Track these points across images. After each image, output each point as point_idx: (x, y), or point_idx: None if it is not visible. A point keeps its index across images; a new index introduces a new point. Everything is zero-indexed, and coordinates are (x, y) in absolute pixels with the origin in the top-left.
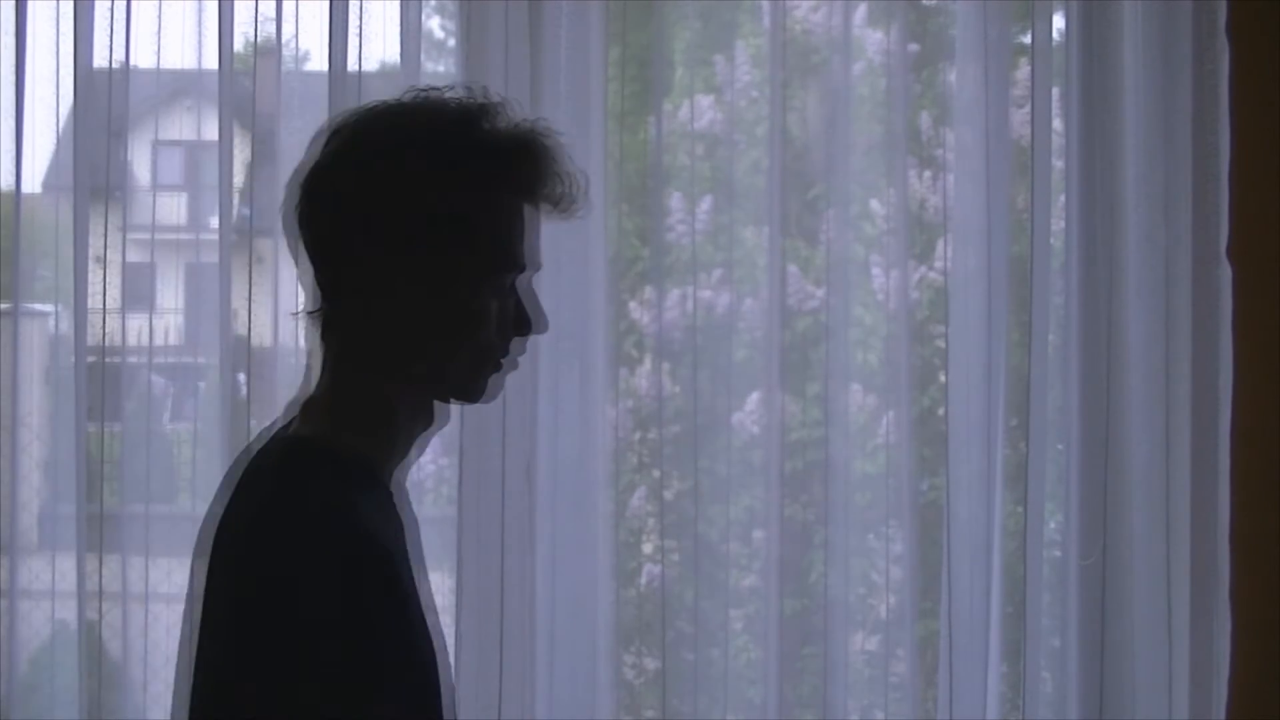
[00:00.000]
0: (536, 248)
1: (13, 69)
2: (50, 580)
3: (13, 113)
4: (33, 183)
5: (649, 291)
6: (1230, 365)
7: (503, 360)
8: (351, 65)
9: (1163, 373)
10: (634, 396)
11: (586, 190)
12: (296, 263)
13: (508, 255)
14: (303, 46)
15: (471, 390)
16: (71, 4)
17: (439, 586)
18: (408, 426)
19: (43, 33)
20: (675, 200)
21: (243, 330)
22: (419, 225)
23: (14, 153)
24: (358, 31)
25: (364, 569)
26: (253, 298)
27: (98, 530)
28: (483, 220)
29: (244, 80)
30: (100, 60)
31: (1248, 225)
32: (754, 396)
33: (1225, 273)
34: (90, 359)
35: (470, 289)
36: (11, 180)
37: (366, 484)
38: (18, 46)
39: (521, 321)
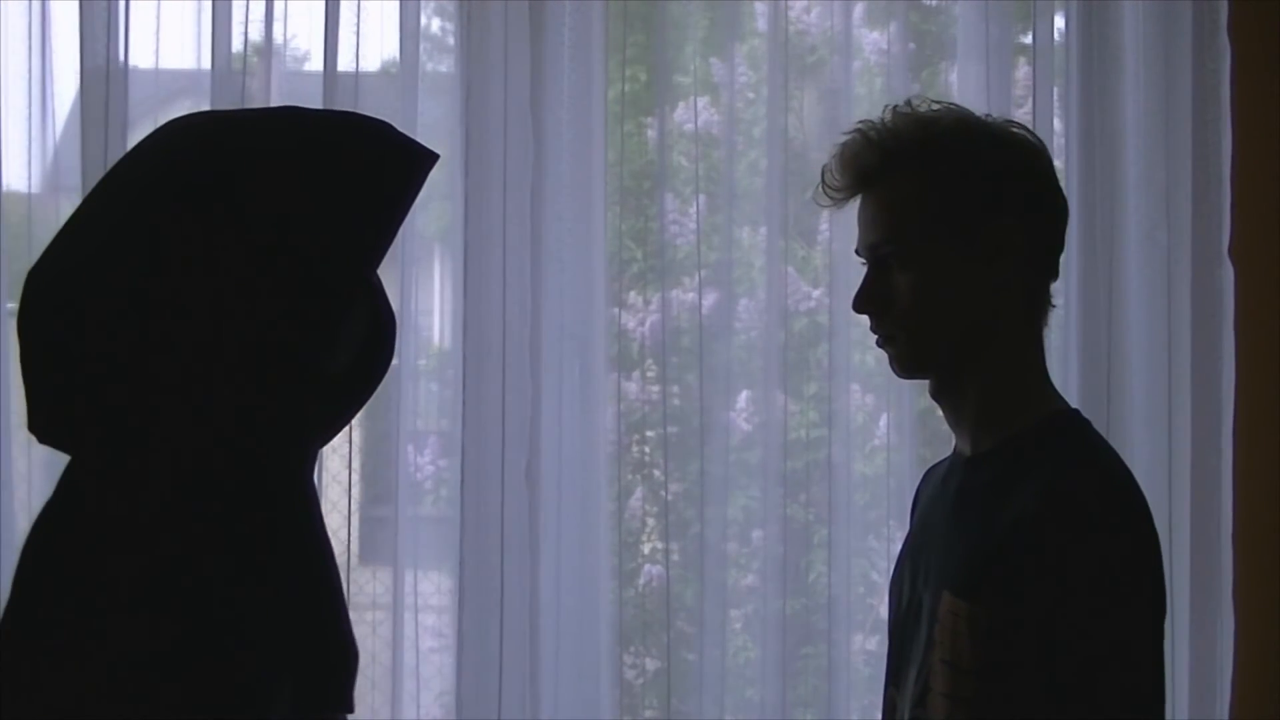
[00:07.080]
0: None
1: (23, 70)
2: None
3: (24, 114)
4: (33, 182)
5: (647, 292)
6: (1232, 364)
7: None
8: (349, 65)
9: (1163, 372)
10: (633, 397)
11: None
12: None
13: None
14: (303, 46)
15: None
16: (76, 4)
17: (439, 587)
18: None
19: (47, 33)
20: (671, 201)
21: None
22: None
23: (20, 154)
24: (354, 31)
25: None
26: None
27: None
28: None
29: (243, 80)
30: (103, 60)
31: (1249, 225)
32: (748, 395)
33: (1227, 272)
34: None
35: None
36: (12, 180)
37: None
38: (30, 47)
39: None
